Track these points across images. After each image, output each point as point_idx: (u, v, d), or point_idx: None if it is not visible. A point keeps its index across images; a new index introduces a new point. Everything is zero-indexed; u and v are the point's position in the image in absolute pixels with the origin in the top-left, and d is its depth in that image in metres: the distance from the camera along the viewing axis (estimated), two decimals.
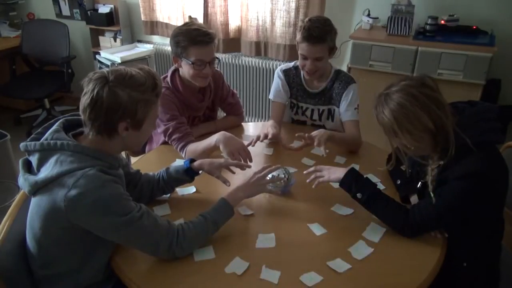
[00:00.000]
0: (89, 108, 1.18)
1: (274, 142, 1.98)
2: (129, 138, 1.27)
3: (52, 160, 1.19)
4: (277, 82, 2.10)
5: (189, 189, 1.62)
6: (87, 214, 1.15)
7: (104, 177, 1.17)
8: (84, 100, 1.19)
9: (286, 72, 2.09)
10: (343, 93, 1.98)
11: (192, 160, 1.58)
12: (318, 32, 1.83)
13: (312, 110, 2.11)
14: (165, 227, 1.24)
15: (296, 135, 1.80)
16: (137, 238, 1.21)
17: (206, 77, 1.90)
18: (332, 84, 2.02)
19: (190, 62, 1.82)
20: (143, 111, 1.23)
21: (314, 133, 1.77)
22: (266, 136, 1.87)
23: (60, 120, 1.30)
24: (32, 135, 1.27)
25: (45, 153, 1.21)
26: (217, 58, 1.90)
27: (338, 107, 2.02)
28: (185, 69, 1.87)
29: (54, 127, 1.26)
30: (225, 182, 1.54)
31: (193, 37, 1.79)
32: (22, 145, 1.24)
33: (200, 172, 1.58)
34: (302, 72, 2.03)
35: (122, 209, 1.17)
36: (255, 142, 1.85)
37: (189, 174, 1.55)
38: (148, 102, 1.24)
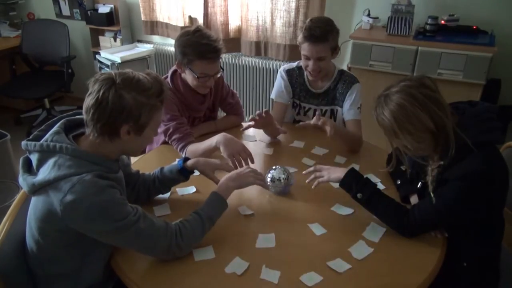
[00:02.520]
0: (93, 109, 1.17)
1: (274, 142, 1.99)
2: (129, 143, 1.25)
3: (51, 162, 1.18)
4: (279, 82, 2.10)
5: (189, 189, 1.62)
6: (83, 219, 1.14)
7: (100, 183, 1.15)
8: (89, 100, 1.18)
9: (289, 72, 2.09)
10: (347, 92, 1.99)
11: (186, 159, 1.57)
12: (319, 32, 1.83)
13: (314, 111, 2.11)
14: (163, 229, 1.23)
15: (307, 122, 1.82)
16: (135, 241, 1.21)
17: (209, 87, 1.92)
18: (336, 84, 2.02)
19: (196, 76, 1.83)
20: (147, 116, 1.22)
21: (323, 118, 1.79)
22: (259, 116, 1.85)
23: (62, 121, 1.29)
24: (35, 132, 1.27)
25: (44, 154, 1.20)
26: (221, 68, 1.90)
27: (341, 107, 2.02)
28: (189, 78, 1.88)
29: (55, 128, 1.25)
30: (218, 183, 1.52)
31: (202, 52, 1.77)
32: (23, 143, 1.24)
33: (195, 171, 1.57)
34: (305, 72, 2.04)
35: (117, 214, 1.16)
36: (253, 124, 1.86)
37: (183, 173, 1.54)
38: (153, 107, 1.23)
